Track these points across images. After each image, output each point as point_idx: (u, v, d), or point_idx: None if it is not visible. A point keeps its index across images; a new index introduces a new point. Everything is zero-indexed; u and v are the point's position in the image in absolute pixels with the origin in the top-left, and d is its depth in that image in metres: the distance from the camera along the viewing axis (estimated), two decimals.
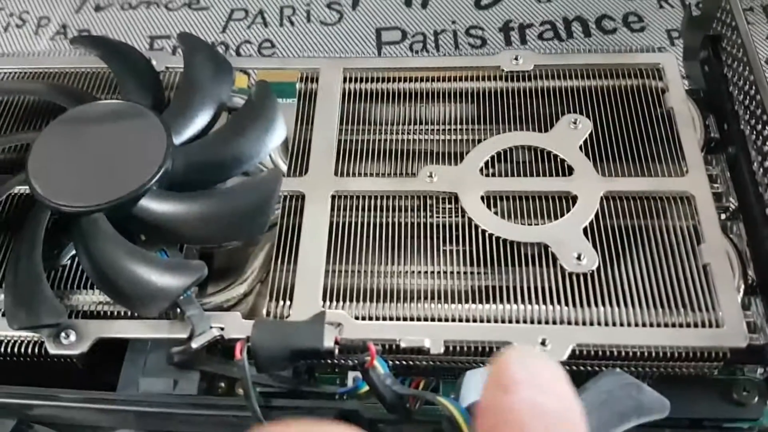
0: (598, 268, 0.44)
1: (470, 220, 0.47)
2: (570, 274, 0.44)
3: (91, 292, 0.45)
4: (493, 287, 0.44)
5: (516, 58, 0.54)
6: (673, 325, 0.42)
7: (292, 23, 0.83)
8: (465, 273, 0.45)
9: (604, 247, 0.45)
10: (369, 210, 0.48)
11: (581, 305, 0.43)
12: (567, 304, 0.43)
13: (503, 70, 0.54)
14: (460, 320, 0.43)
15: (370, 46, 0.80)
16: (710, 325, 0.42)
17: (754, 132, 0.50)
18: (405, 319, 0.44)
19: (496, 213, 0.47)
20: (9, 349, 0.44)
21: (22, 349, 0.44)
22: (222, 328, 0.43)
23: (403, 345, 0.42)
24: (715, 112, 0.54)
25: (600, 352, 0.42)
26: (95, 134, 0.48)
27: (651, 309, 0.43)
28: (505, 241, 0.46)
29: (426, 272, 0.46)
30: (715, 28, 0.57)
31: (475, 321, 0.43)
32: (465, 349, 0.42)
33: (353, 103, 0.54)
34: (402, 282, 0.45)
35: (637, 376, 0.35)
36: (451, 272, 0.45)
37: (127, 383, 0.44)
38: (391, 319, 0.44)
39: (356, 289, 0.45)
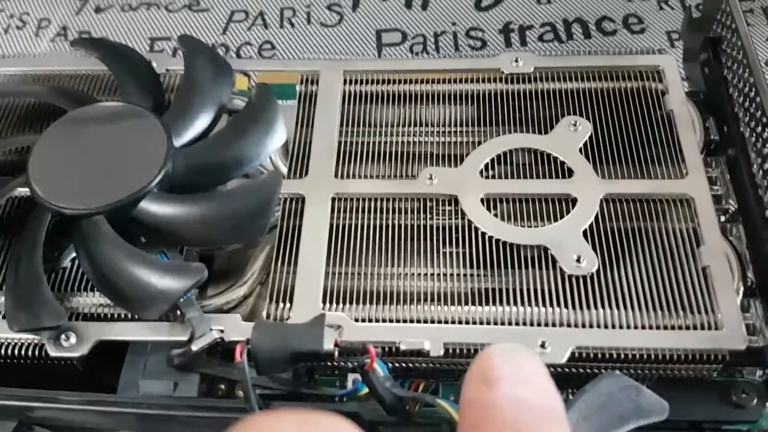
0: (598, 271, 0.44)
1: (470, 222, 0.47)
2: (569, 277, 0.44)
3: (92, 294, 0.45)
4: (493, 289, 0.44)
5: (516, 61, 0.54)
6: (673, 328, 0.42)
7: (292, 25, 0.83)
8: (465, 275, 0.45)
9: (604, 250, 0.45)
10: (369, 212, 0.48)
11: (581, 308, 0.43)
12: (566, 307, 0.43)
13: (503, 73, 0.54)
14: (460, 322, 0.43)
15: (371, 47, 0.80)
16: (709, 328, 0.42)
17: (754, 134, 0.50)
18: (405, 321, 0.44)
19: (495, 215, 0.47)
20: (9, 352, 0.44)
21: (23, 352, 0.44)
22: (222, 331, 0.43)
23: (402, 347, 0.42)
24: (715, 114, 0.54)
25: (599, 355, 0.42)
26: (96, 136, 0.48)
27: (650, 311, 0.43)
28: (504, 243, 0.46)
29: (426, 274, 0.46)
30: (715, 30, 0.57)
31: (474, 323, 0.43)
32: (464, 351, 0.42)
33: (353, 105, 0.54)
34: (402, 284, 0.45)
35: (637, 379, 0.35)
36: (451, 274, 0.45)
37: (128, 385, 0.44)
38: (390, 321, 0.44)
39: (356, 291, 0.45)
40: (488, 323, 0.43)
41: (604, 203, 0.47)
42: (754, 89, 0.50)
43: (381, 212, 0.48)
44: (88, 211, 0.44)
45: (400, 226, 0.48)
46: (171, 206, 0.45)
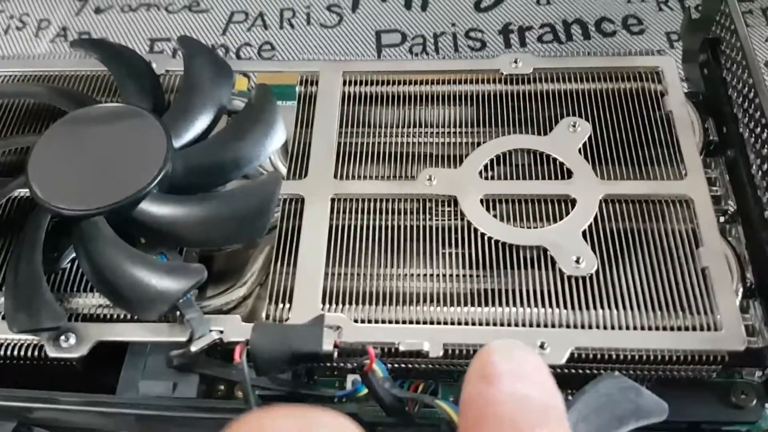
0: (597, 272, 0.44)
1: (469, 223, 0.47)
2: (569, 278, 0.44)
3: (91, 295, 0.45)
4: (492, 290, 0.44)
5: (515, 61, 0.55)
6: (672, 329, 0.42)
7: (292, 26, 0.83)
8: (464, 276, 0.45)
9: (603, 251, 0.45)
10: (368, 213, 0.48)
11: (580, 308, 0.43)
12: (566, 308, 0.43)
13: (502, 73, 0.54)
14: (459, 323, 0.43)
15: (370, 48, 0.80)
16: (708, 329, 0.42)
17: (753, 135, 0.50)
18: (404, 322, 0.44)
19: (495, 216, 0.47)
20: (8, 352, 0.44)
21: (22, 352, 0.44)
22: (221, 332, 0.43)
23: (402, 348, 0.42)
24: (714, 115, 0.54)
25: (598, 356, 0.42)
26: (95, 137, 0.48)
27: (649, 312, 0.43)
28: (504, 244, 0.46)
29: (425, 275, 0.46)
30: (714, 31, 0.57)
31: (474, 324, 0.43)
32: (464, 352, 0.42)
33: (353, 105, 0.54)
34: (401, 285, 0.45)
35: (636, 380, 0.35)
36: (450, 275, 0.45)
37: (127, 386, 0.44)
38: (390, 322, 0.44)
39: (355, 292, 0.45)
40: (487, 324, 0.43)
41: (604, 204, 0.47)
42: (753, 90, 0.50)
43: (380, 213, 0.48)
44: (87, 212, 0.44)
45: (399, 226, 0.48)
46: (171, 207, 0.45)
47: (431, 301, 0.44)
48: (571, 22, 0.80)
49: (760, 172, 0.49)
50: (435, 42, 0.80)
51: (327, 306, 0.44)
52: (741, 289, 0.45)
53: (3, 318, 0.44)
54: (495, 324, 0.43)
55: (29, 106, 0.55)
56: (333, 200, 0.49)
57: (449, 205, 0.48)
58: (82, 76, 0.57)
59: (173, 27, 0.84)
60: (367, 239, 0.47)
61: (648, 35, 0.78)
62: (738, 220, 0.49)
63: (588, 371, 0.42)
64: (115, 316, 0.45)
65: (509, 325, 0.43)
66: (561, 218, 0.47)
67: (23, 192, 0.48)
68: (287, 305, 0.44)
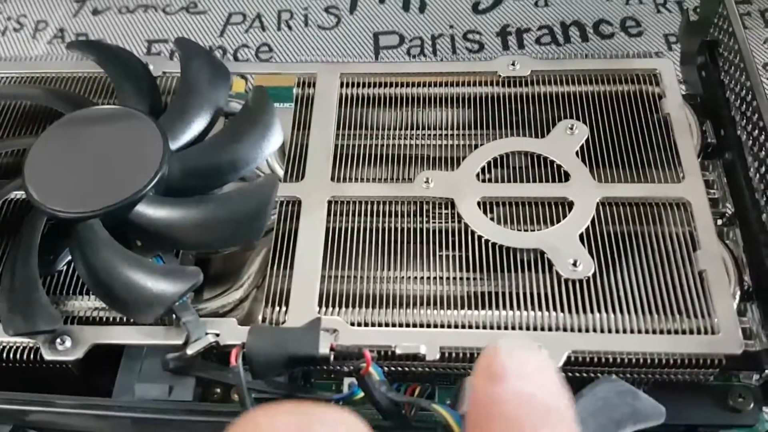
0: (594, 275, 0.44)
1: (466, 225, 0.47)
2: (566, 281, 0.44)
3: (87, 297, 0.45)
4: (489, 293, 0.44)
5: (513, 64, 0.54)
6: (669, 332, 0.42)
7: (289, 27, 0.83)
8: (461, 279, 0.45)
9: (600, 254, 0.45)
10: (365, 215, 0.48)
11: (577, 312, 0.43)
12: (562, 311, 0.43)
13: (500, 76, 0.54)
14: (456, 326, 0.43)
15: (368, 50, 0.80)
16: (706, 332, 0.42)
17: (751, 138, 0.50)
18: (401, 325, 0.44)
19: (492, 219, 0.47)
20: (4, 355, 0.44)
21: (18, 355, 0.44)
22: (217, 335, 0.43)
23: (398, 351, 0.42)
24: (712, 118, 0.54)
25: (595, 359, 0.42)
26: (92, 139, 0.48)
27: (647, 316, 0.43)
28: (501, 247, 0.46)
29: (422, 278, 0.46)
30: (713, 34, 0.57)
31: (470, 327, 0.43)
32: (461, 355, 0.42)
33: (350, 108, 0.54)
34: (398, 288, 0.45)
35: (633, 383, 0.35)
36: (447, 278, 0.45)
37: (123, 389, 0.44)
38: (386, 325, 0.44)
39: (352, 294, 0.45)
40: (484, 327, 0.43)
41: (601, 207, 0.47)
42: (750, 93, 0.50)
43: (377, 215, 0.48)
44: (83, 215, 0.44)
45: (396, 229, 0.47)
46: (167, 209, 0.45)
47: (428, 304, 0.44)
48: (569, 24, 0.80)
49: (757, 175, 0.49)
50: (433, 44, 0.80)
51: (323, 309, 0.44)
52: (738, 292, 0.45)
53: None
54: (492, 327, 0.43)
55: (26, 108, 0.55)
56: (330, 203, 0.49)
57: (446, 208, 0.48)
58: (79, 77, 0.57)
59: (170, 28, 0.84)
60: (364, 242, 0.47)
61: (646, 37, 0.78)
62: (735, 222, 0.49)
63: (585, 375, 0.42)
64: (111, 319, 0.45)
65: (506, 328, 0.43)
66: (558, 221, 0.47)
67: (19, 194, 0.48)
68: (284, 308, 0.44)
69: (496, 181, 0.50)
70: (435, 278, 0.45)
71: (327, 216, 0.48)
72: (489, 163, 0.50)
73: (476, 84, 0.54)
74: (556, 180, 0.49)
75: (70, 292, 0.46)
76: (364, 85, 0.55)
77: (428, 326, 0.43)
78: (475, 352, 0.42)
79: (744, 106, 0.51)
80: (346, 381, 0.43)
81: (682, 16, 0.60)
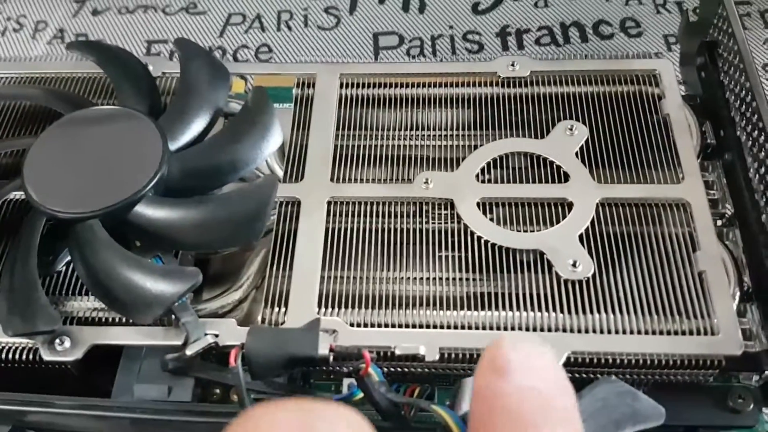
0: (594, 275, 0.44)
1: (466, 226, 0.47)
2: (565, 281, 0.44)
3: (86, 298, 0.45)
4: (489, 294, 0.44)
5: (512, 64, 0.54)
6: (669, 333, 0.42)
7: (289, 28, 0.83)
8: (460, 279, 0.45)
9: (600, 254, 0.45)
10: (365, 216, 0.48)
11: (576, 312, 0.43)
12: (562, 311, 0.43)
13: (500, 76, 0.54)
14: (456, 327, 0.43)
15: (367, 51, 0.80)
16: (705, 333, 0.42)
17: (751, 138, 0.50)
18: (400, 326, 0.43)
19: (491, 219, 0.47)
20: (3, 356, 0.44)
21: (17, 356, 0.44)
22: (217, 335, 0.43)
23: (398, 352, 0.42)
24: (712, 119, 0.54)
25: (595, 360, 0.42)
26: (91, 140, 0.48)
27: (646, 316, 0.43)
28: (500, 247, 0.46)
29: (421, 278, 0.45)
30: (712, 34, 0.57)
31: (470, 328, 0.43)
32: (460, 356, 0.42)
33: (350, 108, 0.54)
34: (397, 288, 0.45)
35: (633, 384, 0.35)
36: (447, 279, 0.45)
37: (122, 390, 0.44)
38: (386, 326, 0.44)
39: (351, 295, 0.45)
40: (484, 328, 0.43)
41: (600, 208, 0.47)
42: (750, 93, 0.50)
43: (377, 216, 0.48)
44: (82, 215, 0.44)
45: (395, 230, 0.47)
46: (166, 210, 0.45)
47: (427, 304, 0.44)
48: (568, 25, 0.80)
49: (757, 176, 0.49)
50: (432, 44, 0.80)
51: (323, 309, 0.44)
52: (738, 293, 0.45)
53: None
54: (491, 328, 0.43)
55: (25, 108, 0.55)
56: (329, 203, 0.48)
57: (446, 209, 0.48)
58: (78, 78, 0.57)
59: (170, 29, 0.83)
60: (364, 242, 0.47)
61: (646, 38, 0.78)
62: (735, 223, 0.49)
63: (584, 375, 0.42)
64: (110, 320, 0.45)
65: (505, 328, 0.43)
66: (558, 222, 0.47)
67: (19, 195, 0.48)
68: (283, 309, 0.44)
69: (496, 181, 0.49)
70: (434, 279, 0.45)
71: (326, 216, 0.48)
72: (488, 164, 0.50)
73: (476, 84, 0.54)
74: (556, 181, 0.49)
75: (70, 292, 0.46)
76: (363, 86, 0.55)
77: (427, 327, 0.43)
78: (475, 352, 0.42)
79: (743, 106, 0.51)
80: (346, 382, 0.43)
81: (681, 17, 0.60)
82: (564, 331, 0.42)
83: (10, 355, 0.44)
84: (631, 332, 0.42)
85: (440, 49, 0.79)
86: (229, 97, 0.54)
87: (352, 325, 0.43)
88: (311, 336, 0.41)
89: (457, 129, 0.52)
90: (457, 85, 0.54)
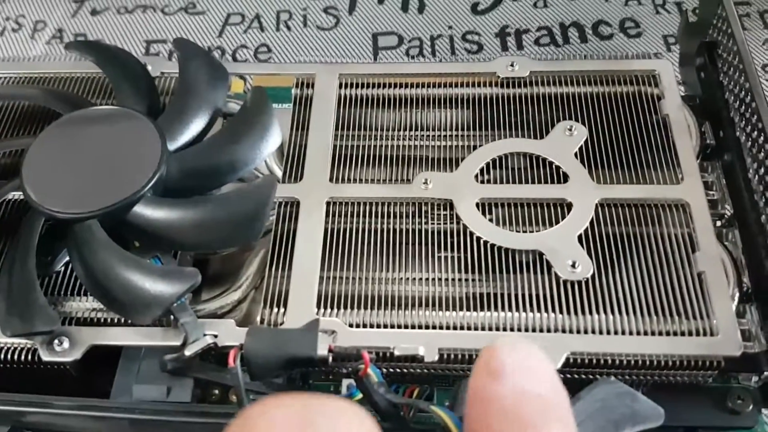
0: (593, 276, 0.44)
1: (465, 227, 0.47)
2: (564, 282, 0.44)
3: (85, 299, 0.45)
4: (488, 294, 0.44)
5: (512, 65, 0.54)
6: (668, 334, 0.42)
7: (288, 28, 0.83)
8: (459, 280, 0.45)
9: (599, 255, 0.45)
10: (364, 216, 0.48)
11: (575, 313, 0.43)
12: (561, 312, 0.43)
13: (499, 77, 0.54)
14: (455, 328, 0.43)
15: (367, 51, 0.80)
16: (705, 334, 0.42)
17: (750, 139, 0.50)
18: (399, 326, 0.43)
19: (490, 220, 0.47)
20: (2, 356, 0.44)
21: (15, 356, 0.44)
22: (215, 336, 0.43)
23: (397, 353, 0.42)
24: (711, 119, 0.53)
25: (594, 361, 0.42)
26: (90, 140, 0.48)
27: (645, 317, 0.43)
28: (499, 248, 0.46)
29: (420, 279, 0.45)
30: (712, 35, 0.57)
31: (469, 329, 0.43)
32: (459, 356, 0.42)
33: (349, 108, 0.54)
34: (396, 289, 0.45)
35: (632, 385, 0.35)
36: (446, 279, 0.45)
37: (121, 390, 0.44)
38: (385, 326, 0.43)
39: (350, 296, 0.45)
40: (483, 328, 0.43)
41: (600, 208, 0.47)
42: (750, 94, 0.50)
43: (376, 216, 0.48)
44: (81, 215, 0.44)
45: (394, 230, 0.47)
46: (165, 210, 0.45)
47: (426, 305, 0.44)
48: (568, 25, 0.80)
49: (756, 176, 0.48)
50: (432, 45, 0.80)
51: (322, 310, 0.44)
52: (737, 294, 0.45)
53: None
54: (490, 328, 0.43)
55: (24, 108, 0.55)
56: (328, 203, 0.48)
57: (445, 209, 0.48)
58: (77, 78, 0.57)
59: (169, 29, 0.83)
60: (363, 243, 0.47)
61: (645, 38, 0.78)
62: (735, 224, 0.49)
63: (584, 376, 0.42)
64: (108, 320, 0.45)
65: (505, 329, 0.43)
66: (557, 222, 0.47)
67: (17, 195, 0.48)
68: (282, 309, 0.44)
69: (495, 182, 0.49)
70: (434, 279, 0.45)
71: (325, 217, 0.48)
72: (488, 164, 0.50)
73: (475, 85, 0.54)
74: (555, 181, 0.49)
75: (68, 293, 0.46)
76: (362, 86, 0.55)
77: (427, 327, 0.43)
78: (474, 353, 0.42)
79: (743, 107, 0.51)
80: (345, 382, 0.43)
81: (681, 17, 0.60)
82: (563, 331, 0.42)
83: (9, 356, 0.44)
84: (631, 333, 0.42)
85: (439, 49, 0.79)
86: (228, 97, 0.54)
87: (351, 325, 0.43)
88: (310, 336, 0.41)
89: (457, 129, 0.52)
90: (456, 86, 0.54)
